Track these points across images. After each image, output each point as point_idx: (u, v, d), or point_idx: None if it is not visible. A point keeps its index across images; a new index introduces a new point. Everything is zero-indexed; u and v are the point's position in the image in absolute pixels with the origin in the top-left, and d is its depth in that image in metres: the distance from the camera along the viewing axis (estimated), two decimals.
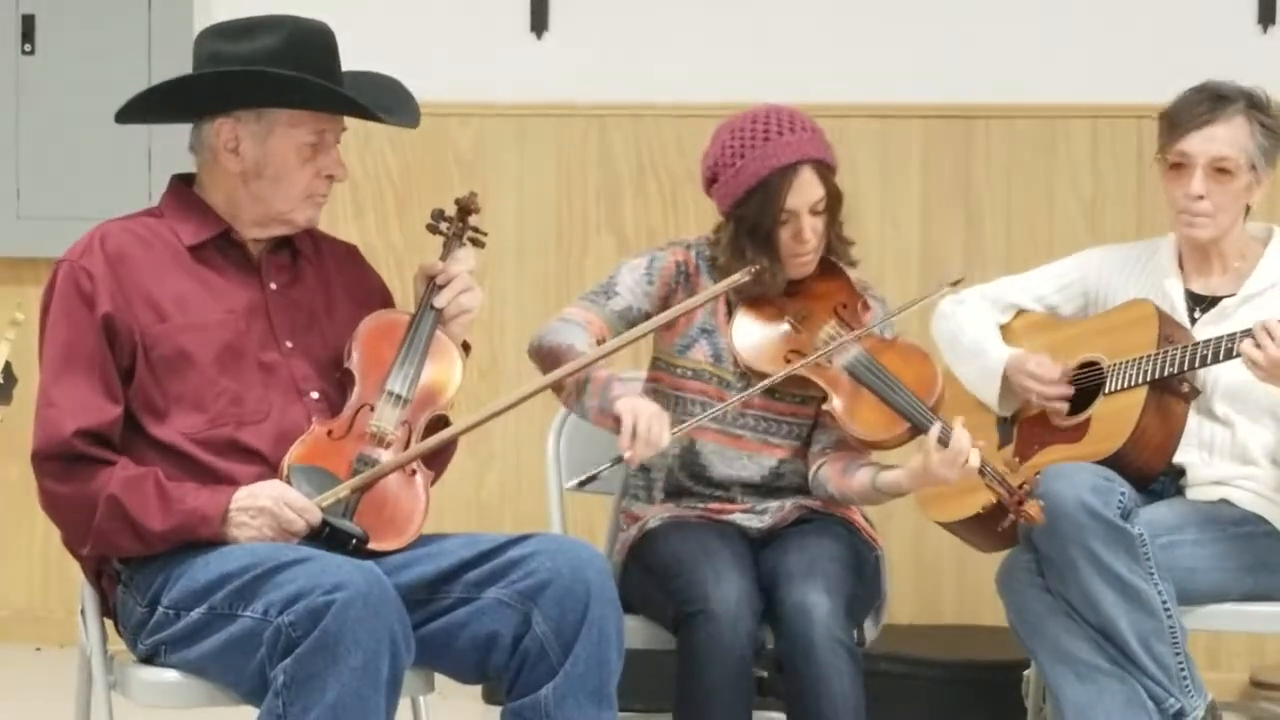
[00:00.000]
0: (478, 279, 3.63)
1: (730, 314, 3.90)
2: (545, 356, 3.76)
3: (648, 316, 3.83)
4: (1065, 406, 3.99)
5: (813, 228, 3.81)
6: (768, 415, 3.87)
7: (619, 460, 3.62)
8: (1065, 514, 3.74)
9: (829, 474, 3.85)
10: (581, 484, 3.66)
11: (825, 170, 3.82)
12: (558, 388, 3.71)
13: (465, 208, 3.69)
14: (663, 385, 3.93)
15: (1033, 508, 3.66)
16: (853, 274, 3.95)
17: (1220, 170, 3.94)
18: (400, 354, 3.53)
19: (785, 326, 3.87)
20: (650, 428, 3.59)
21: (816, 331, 3.85)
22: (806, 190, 3.79)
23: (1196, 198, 3.95)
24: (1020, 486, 3.67)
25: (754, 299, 3.88)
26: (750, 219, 3.81)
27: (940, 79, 5.39)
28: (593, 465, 3.70)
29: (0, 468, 5.77)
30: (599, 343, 3.76)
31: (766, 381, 3.76)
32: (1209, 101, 3.96)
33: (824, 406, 3.82)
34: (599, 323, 3.84)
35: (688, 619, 3.61)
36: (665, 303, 3.88)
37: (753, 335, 3.87)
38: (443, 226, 3.68)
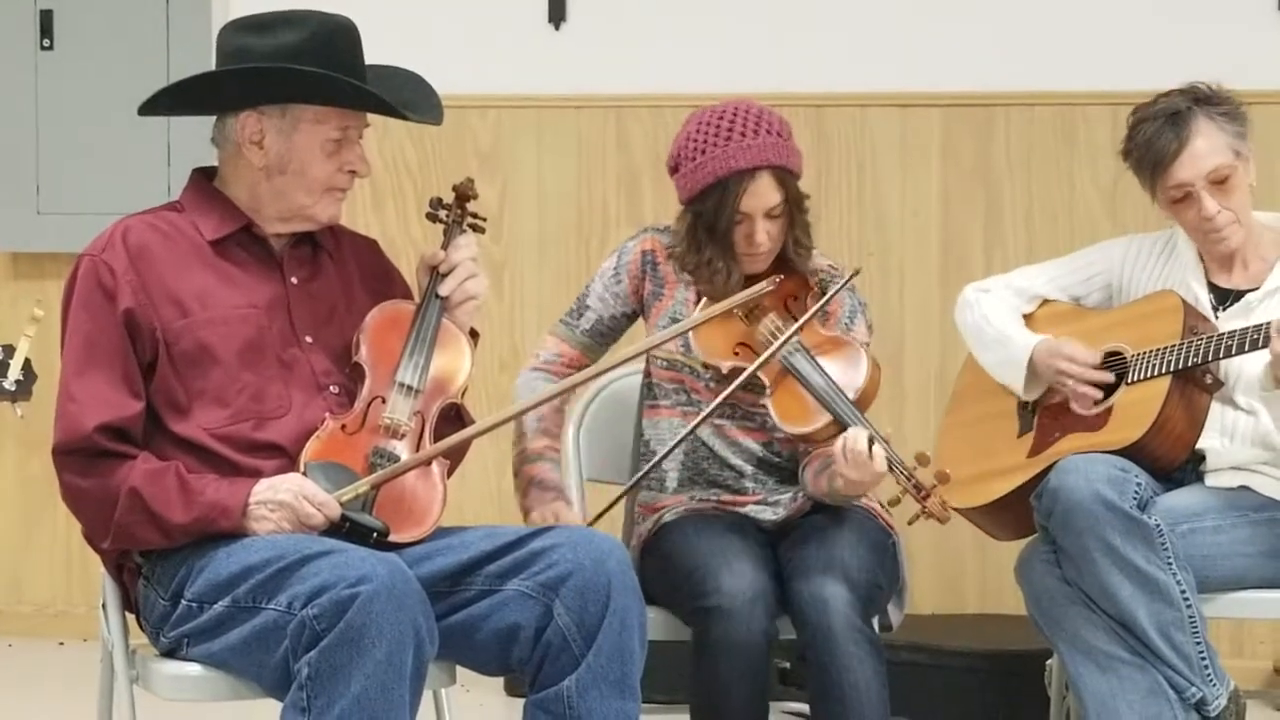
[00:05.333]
0: (493, 268, 3.63)
1: (698, 305, 3.91)
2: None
3: (624, 317, 3.96)
4: (1098, 394, 3.96)
5: (766, 231, 3.82)
6: (735, 404, 3.86)
7: None
8: (1080, 506, 3.73)
9: (808, 475, 3.85)
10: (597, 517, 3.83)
11: (785, 175, 3.82)
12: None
13: (463, 194, 3.70)
14: (650, 376, 3.97)
15: (936, 504, 3.63)
16: (821, 263, 3.93)
17: (1220, 180, 3.93)
18: (408, 345, 3.53)
19: (734, 318, 3.85)
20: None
21: (759, 324, 3.84)
22: (762, 195, 3.80)
23: (1216, 215, 3.94)
24: (930, 485, 3.63)
25: (713, 293, 3.88)
26: (706, 216, 3.83)
27: (960, 67, 5.38)
28: (612, 458, 3.82)
29: (22, 462, 5.79)
30: (577, 370, 3.90)
31: (706, 411, 3.80)
32: (1170, 127, 3.93)
33: (761, 400, 3.82)
34: (571, 353, 3.96)
35: (701, 613, 3.61)
36: (638, 295, 3.95)
37: (705, 327, 3.85)
38: (442, 214, 3.69)
